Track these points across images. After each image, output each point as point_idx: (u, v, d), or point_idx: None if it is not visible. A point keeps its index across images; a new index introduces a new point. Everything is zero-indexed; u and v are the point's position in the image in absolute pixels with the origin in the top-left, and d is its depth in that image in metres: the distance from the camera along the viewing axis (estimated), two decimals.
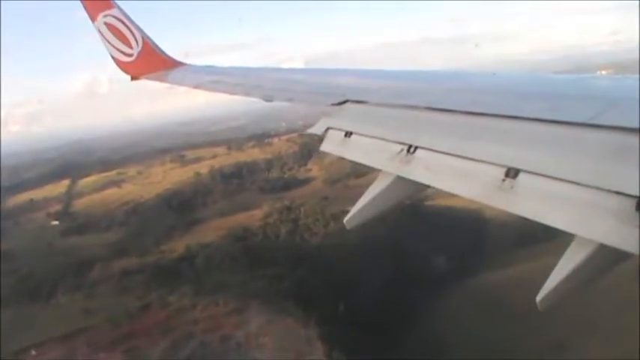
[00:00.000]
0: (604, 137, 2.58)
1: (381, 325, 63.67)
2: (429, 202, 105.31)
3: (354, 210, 3.81)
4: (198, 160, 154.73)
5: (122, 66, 9.14)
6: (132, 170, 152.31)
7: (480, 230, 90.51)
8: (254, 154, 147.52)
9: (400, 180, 3.52)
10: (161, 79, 8.93)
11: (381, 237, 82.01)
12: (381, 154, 3.73)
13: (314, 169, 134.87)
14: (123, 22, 8.84)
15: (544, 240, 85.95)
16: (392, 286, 70.75)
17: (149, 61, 9.04)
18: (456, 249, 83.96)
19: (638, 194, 2.17)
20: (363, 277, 71.77)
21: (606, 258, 2.44)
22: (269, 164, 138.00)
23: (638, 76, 3.23)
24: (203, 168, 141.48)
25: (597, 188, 2.34)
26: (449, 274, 77.30)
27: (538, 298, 2.59)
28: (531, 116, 3.07)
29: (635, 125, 2.49)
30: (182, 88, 8.72)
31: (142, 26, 9.20)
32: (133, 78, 9.20)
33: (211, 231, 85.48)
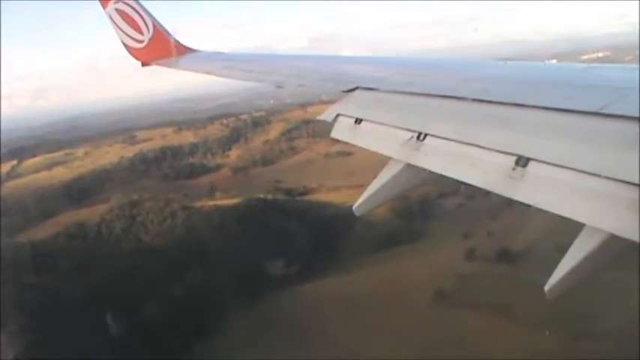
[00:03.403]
0: (614, 127, 2.48)
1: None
2: (306, 197, 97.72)
3: (363, 197, 3.65)
4: (145, 140, 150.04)
5: (133, 52, 8.81)
6: (80, 151, 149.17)
7: (346, 230, 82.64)
8: (187, 136, 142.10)
9: (410, 167, 3.36)
10: (172, 65, 8.60)
11: (221, 237, 75.33)
12: (390, 142, 3.58)
13: (232, 155, 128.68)
14: (134, 9, 8.54)
15: (406, 242, 77.78)
16: (190, 298, 64.11)
17: (160, 48, 8.72)
18: (304, 251, 76.48)
19: None
20: (161, 286, 65.25)
21: (615, 248, 2.31)
22: (194, 149, 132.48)
23: None
24: (136, 151, 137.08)
25: (607, 178, 2.24)
26: (278, 280, 70.14)
27: (546, 288, 2.50)
28: (542, 105, 2.94)
29: None
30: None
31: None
32: (144, 64, 8.85)
33: (54, 226, 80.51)
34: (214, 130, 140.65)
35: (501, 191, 2.67)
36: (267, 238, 75.60)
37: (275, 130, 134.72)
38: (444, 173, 3.09)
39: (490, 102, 3.28)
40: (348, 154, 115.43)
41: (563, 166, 2.45)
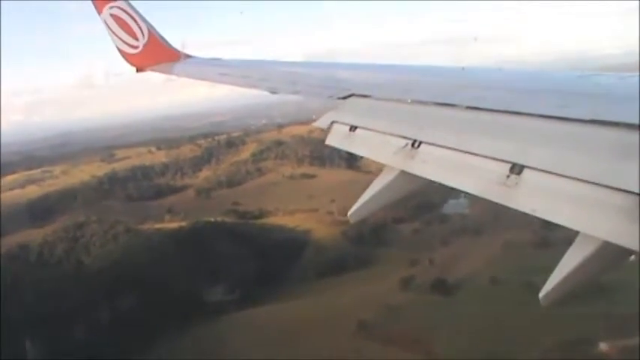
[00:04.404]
0: (609, 134, 2.44)
1: None
2: (260, 220, 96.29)
3: (358, 204, 3.58)
4: (123, 159, 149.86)
5: (128, 58, 8.67)
6: (58, 169, 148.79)
7: (295, 255, 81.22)
8: (159, 156, 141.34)
9: (404, 175, 3.35)
10: (166, 71, 8.47)
11: (159, 261, 74.03)
12: (385, 149, 3.56)
13: (201, 176, 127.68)
14: (129, 14, 8.42)
15: (352, 269, 75.96)
16: (117, 323, 62.52)
17: (155, 53, 8.59)
18: (247, 276, 75.00)
19: None
20: (90, 310, 63.85)
21: (610, 255, 2.29)
22: (165, 169, 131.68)
23: None
24: (110, 170, 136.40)
25: (602, 185, 2.20)
26: (215, 306, 68.65)
27: (541, 295, 2.47)
28: (536, 112, 2.91)
29: None
30: (181, 80, 8.36)
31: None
32: (139, 70, 8.68)
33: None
34: (187, 151, 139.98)
35: (495, 199, 2.64)
36: (209, 262, 74.29)
37: (247, 152, 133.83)
38: (438, 181, 3.07)
39: (484, 109, 3.24)
40: (312, 176, 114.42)
41: (557, 174, 2.41)
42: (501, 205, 2.61)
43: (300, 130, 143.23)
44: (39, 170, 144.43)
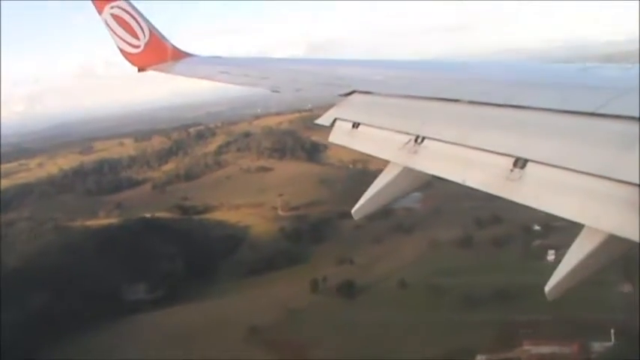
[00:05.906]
0: (612, 127, 2.39)
1: None
2: (202, 216, 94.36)
3: (362, 200, 3.49)
4: (99, 151, 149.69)
5: (129, 57, 8.53)
6: (34, 161, 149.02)
7: (229, 252, 79.32)
8: (130, 149, 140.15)
9: (408, 170, 3.28)
10: (168, 71, 8.36)
11: (83, 259, 72.72)
12: (388, 145, 3.47)
13: (164, 169, 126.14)
14: (129, 14, 8.25)
15: (283, 267, 73.85)
16: (25, 324, 61.17)
17: (156, 53, 8.45)
18: (175, 275, 73.36)
19: None
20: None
21: (615, 248, 2.25)
22: (131, 162, 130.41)
23: None
24: (78, 162, 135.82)
25: (606, 178, 2.16)
26: (131, 305, 67.22)
27: (547, 288, 2.43)
28: (539, 106, 2.86)
29: None
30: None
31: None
32: (140, 69, 8.56)
33: None
34: (156, 143, 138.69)
35: (500, 193, 2.55)
36: (134, 260, 72.80)
37: (215, 144, 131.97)
38: (442, 176, 2.96)
39: (487, 104, 3.14)
40: (268, 169, 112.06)
41: (561, 167, 2.34)
42: (506, 199, 2.50)
43: (271, 121, 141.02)
44: (15, 164, 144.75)
